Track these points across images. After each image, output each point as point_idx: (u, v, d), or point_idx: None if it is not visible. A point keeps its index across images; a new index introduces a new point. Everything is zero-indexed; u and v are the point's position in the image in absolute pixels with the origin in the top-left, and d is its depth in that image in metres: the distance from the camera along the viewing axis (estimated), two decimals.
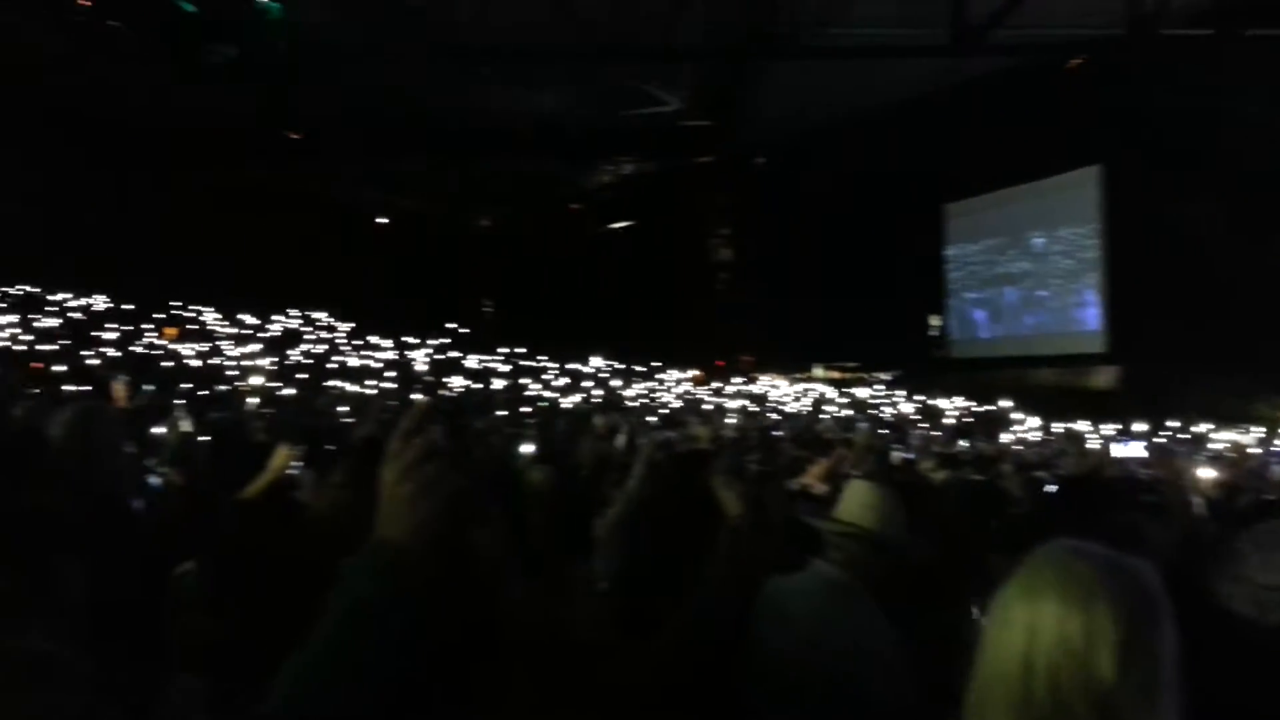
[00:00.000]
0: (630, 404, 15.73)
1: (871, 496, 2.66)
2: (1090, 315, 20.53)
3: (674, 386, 19.85)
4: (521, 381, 16.94)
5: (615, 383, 18.70)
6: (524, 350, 20.39)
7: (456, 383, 15.90)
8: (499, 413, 11.02)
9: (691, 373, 21.77)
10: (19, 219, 17.33)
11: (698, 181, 23.08)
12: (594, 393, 16.99)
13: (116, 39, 13.64)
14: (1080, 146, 18.91)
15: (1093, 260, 20.37)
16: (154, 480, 2.56)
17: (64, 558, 1.55)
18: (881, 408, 18.45)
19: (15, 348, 12.81)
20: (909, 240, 22.04)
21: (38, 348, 12.66)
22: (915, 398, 19.27)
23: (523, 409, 12.15)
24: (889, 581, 2.43)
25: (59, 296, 19.18)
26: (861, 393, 20.41)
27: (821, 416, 15.79)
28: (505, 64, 15.14)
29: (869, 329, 20.91)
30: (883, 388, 21.45)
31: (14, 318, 15.76)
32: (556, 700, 1.78)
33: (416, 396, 12.37)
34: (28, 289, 19.82)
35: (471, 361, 18.91)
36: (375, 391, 12.73)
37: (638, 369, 20.66)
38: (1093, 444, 11.89)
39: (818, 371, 23.62)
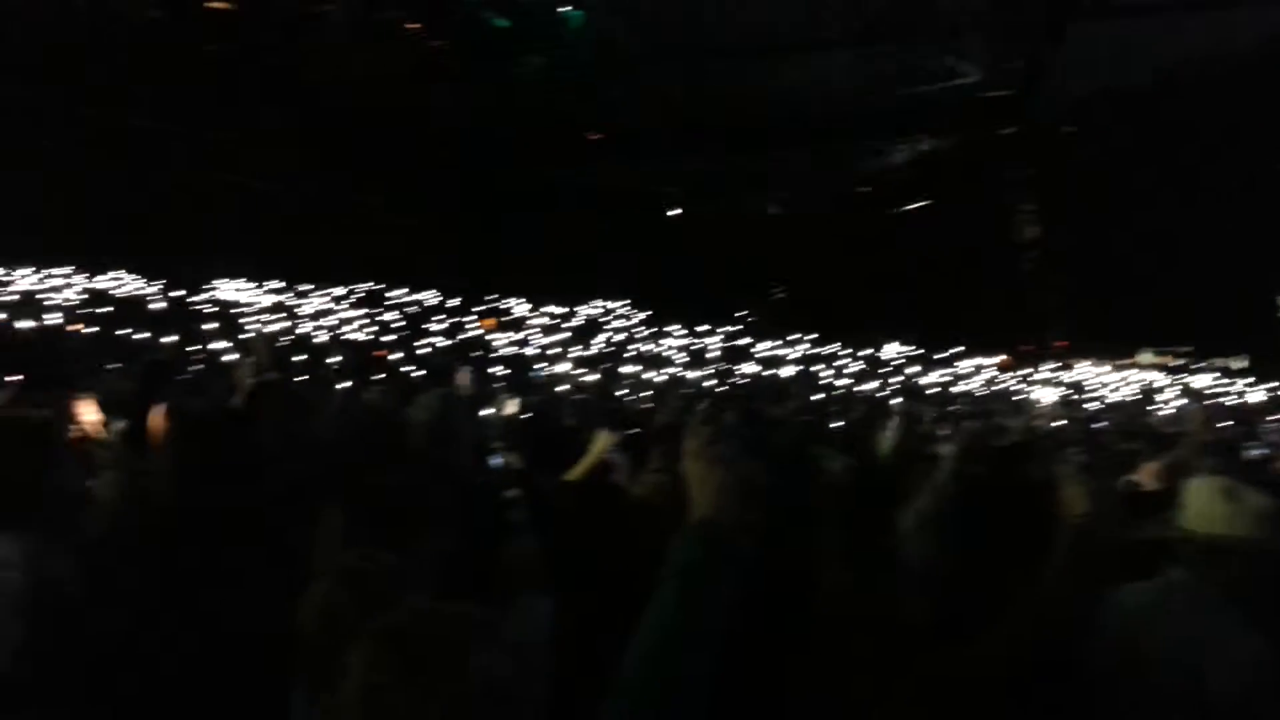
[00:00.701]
0: (931, 391, 15.12)
1: (1225, 496, 2.35)
2: None
3: (978, 373, 18.84)
4: (815, 369, 16.80)
5: (914, 369, 18.06)
6: (816, 336, 20.20)
7: (748, 370, 16.06)
8: (793, 401, 11.00)
9: (997, 358, 20.54)
10: (375, 227, 19.64)
11: (1000, 155, 21.69)
12: (892, 380, 16.51)
13: (439, 56, 14.99)
14: None
15: None
16: (495, 461, 2.82)
17: (432, 535, 1.73)
18: (1224, 398, 16.42)
19: (362, 338, 14.58)
20: (1246, 208, 19.40)
21: (380, 338, 14.34)
22: (1264, 386, 16.96)
23: (818, 396, 12.03)
24: (1264, 590, 2.15)
25: (396, 293, 21.55)
26: (1198, 381, 18.26)
27: (1151, 407, 14.32)
28: (795, 46, 15.04)
29: (1205, 309, 18.64)
30: (1224, 375, 19.08)
31: (360, 311, 17.94)
32: (885, 691, 1.76)
33: (710, 383, 12.63)
34: (372, 286, 22.44)
35: (763, 348, 19.03)
36: (670, 378, 13.16)
37: (938, 355, 19.81)
38: None
39: (1145, 357, 21.41)
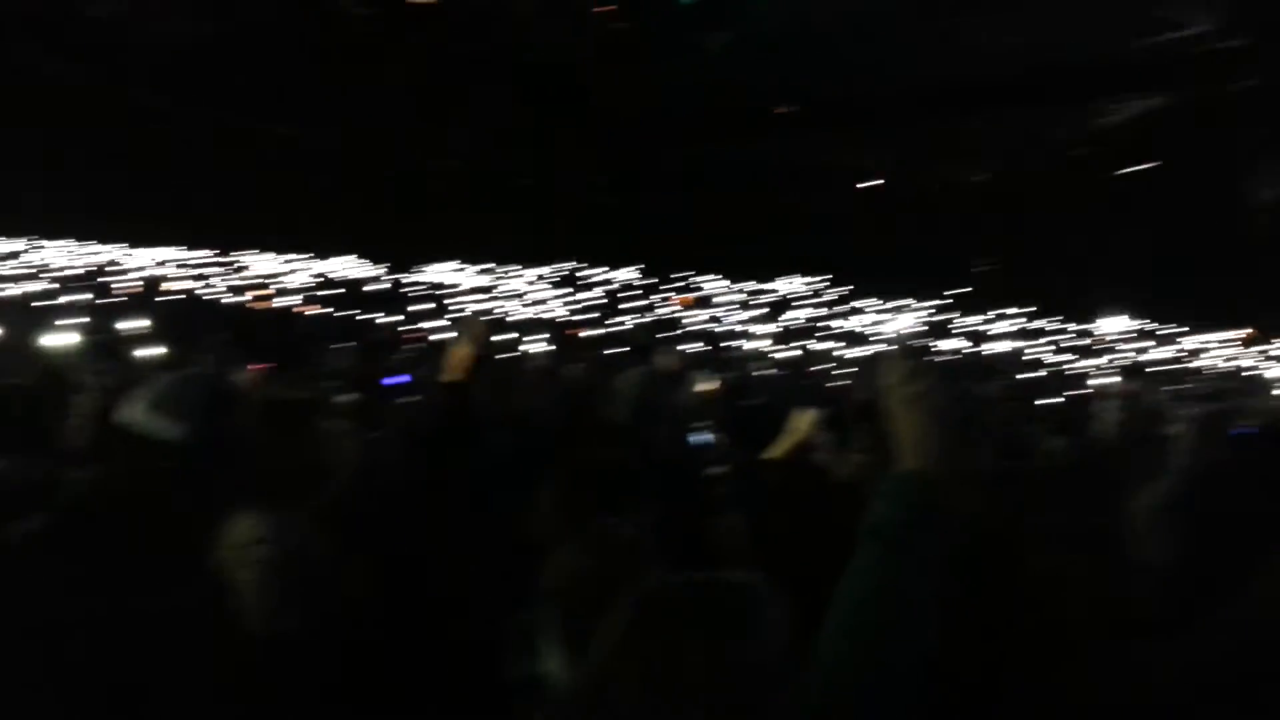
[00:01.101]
0: (1157, 369, 14.00)
1: None
2: None
3: (1209, 349, 17.27)
4: (1026, 345, 15.92)
5: (1138, 345, 16.77)
6: (1032, 310, 19.11)
7: (952, 346, 15.42)
8: (1001, 379, 10.47)
9: (1231, 333, 18.73)
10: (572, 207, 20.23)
11: (1234, 112, 19.64)
12: (1112, 357, 15.41)
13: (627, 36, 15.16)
14: None
15: None
16: (701, 438, 2.84)
17: (641, 510, 1.77)
18: None
19: (559, 317, 15.09)
20: None
21: (576, 317, 14.79)
22: None
23: (1029, 375, 11.40)
24: None
25: (593, 272, 22.11)
26: None
27: None
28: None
29: None
30: None
31: (559, 291, 18.55)
32: (1106, 678, 1.64)
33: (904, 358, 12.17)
34: (570, 267, 23.14)
35: (969, 323, 18.21)
36: (870, 355, 12.83)
37: (1164, 330, 18.31)
38: None
39: None
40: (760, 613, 1.09)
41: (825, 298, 20.46)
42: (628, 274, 20.95)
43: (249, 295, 13.53)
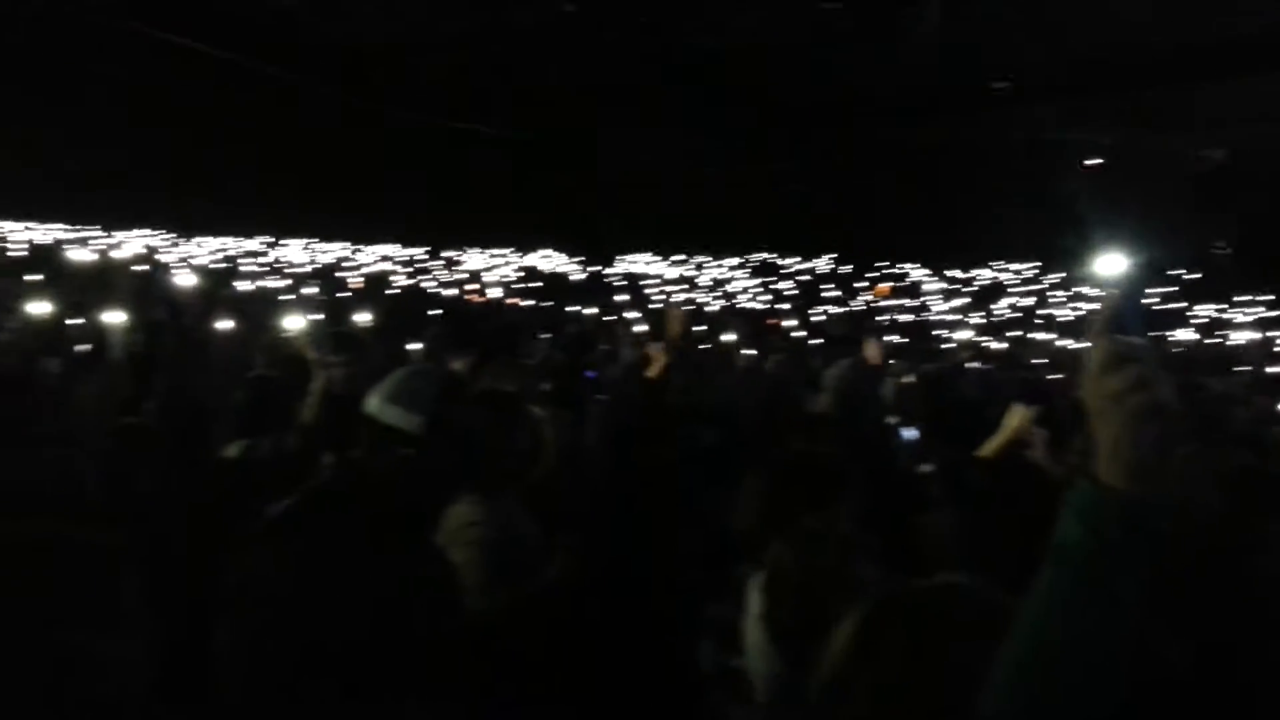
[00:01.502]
0: None
1: None
2: None
3: None
4: (1273, 335, 14.39)
5: None
6: (1273, 298, 17.27)
7: (1185, 337, 14.16)
8: (1243, 373, 9.53)
9: None
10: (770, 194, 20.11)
11: None
12: None
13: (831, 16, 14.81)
14: None
15: None
16: (908, 433, 2.74)
17: (848, 507, 1.73)
18: None
19: (755, 306, 15.01)
20: None
21: (775, 306, 14.66)
22: None
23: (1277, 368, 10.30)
24: None
25: (789, 261, 21.87)
26: None
27: None
28: None
29: None
30: None
31: (755, 281, 18.46)
32: None
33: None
34: (765, 257, 22.98)
35: (1204, 311, 16.66)
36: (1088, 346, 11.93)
37: None
38: None
39: None
40: (998, 619, 1.01)
41: (1041, 284, 19.31)
42: (826, 263, 20.58)
43: (461, 290, 14.26)
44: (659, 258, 22.81)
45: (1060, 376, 8.11)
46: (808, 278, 19.40)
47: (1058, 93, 18.81)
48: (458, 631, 1.94)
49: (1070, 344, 11.54)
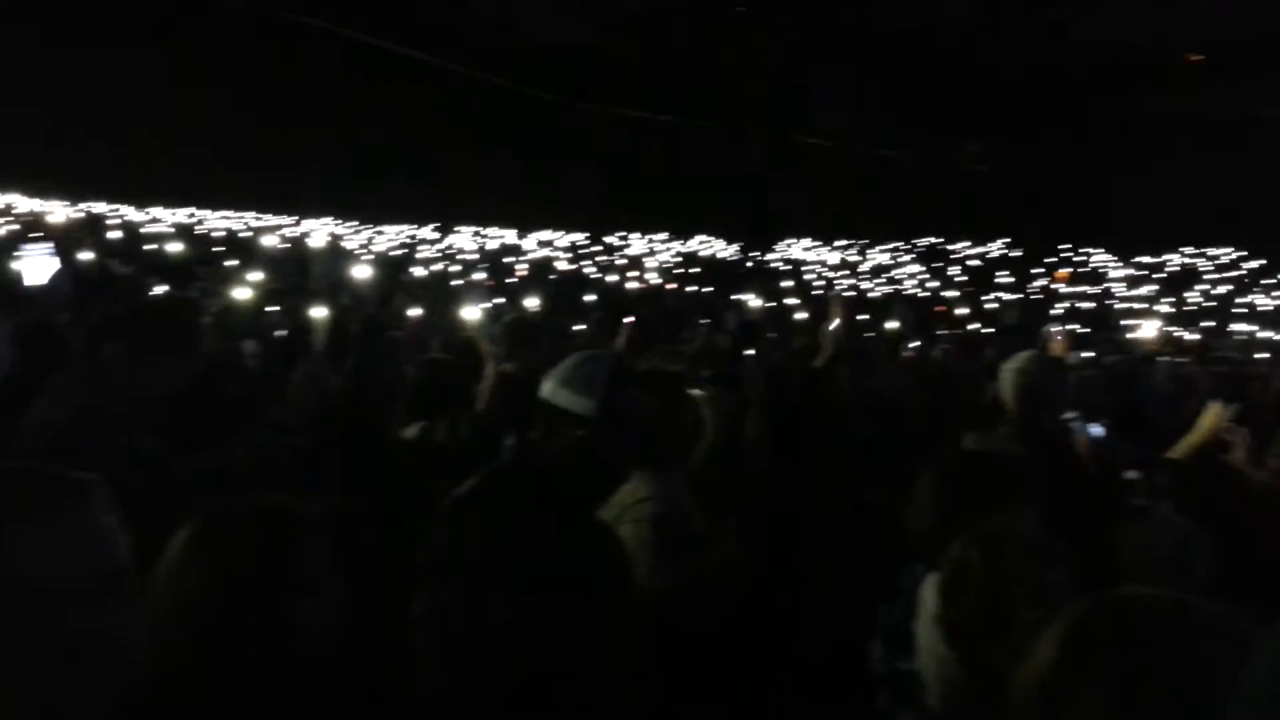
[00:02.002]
0: None
1: None
2: None
3: None
4: None
5: None
6: None
7: None
8: None
9: None
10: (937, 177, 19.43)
11: None
12: None
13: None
14: None
15: None
16: (1094, 430, 2.58)
17: (1030, 506, 1.65)
18: None
19: (921, 293, 14.49)
20: None
21: (943, 294, 14.11)
22: None
23: None
24: None
25: (959, 246, 21.05)
26: None
27: None
28: None
29: None
30: None
31: (920, 267, 17.85)
32: None
33: None
34: (932, 241, 22.21)
35: None
36: None
37: None
38: None
39: None
40: (1225, 636, 0.94)
41: (1239, 271, 17.82)
42: (999, 247, 19.68)
43: (622, 275, 14.46)
44: (820, 242, 22.44)
45: (1261, 371, 7.47)
46: (979, 263, 18.61)
47: (1261, 69, 17.26)
48: (629, 610, 1.98)
49: (1274, 335, 10.62)
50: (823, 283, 14.37)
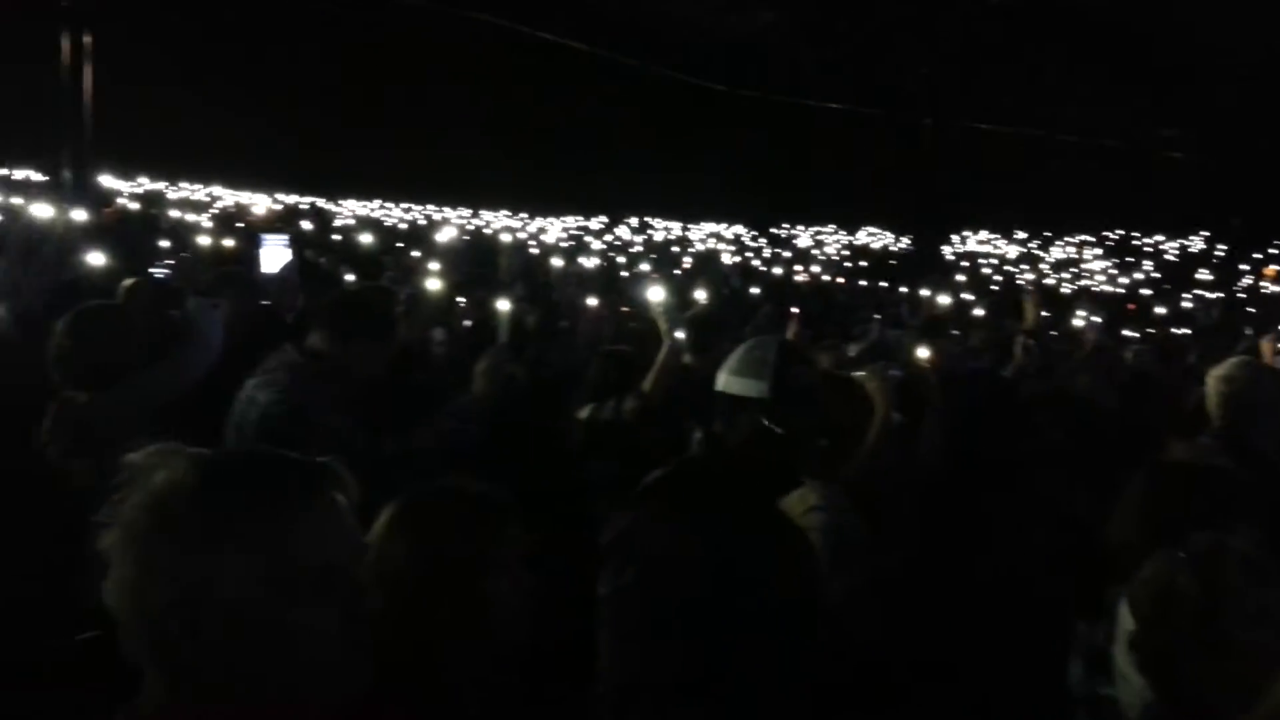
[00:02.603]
0: None
1: None
2: None
3: None
4: None
5: None
6: None
7: None
8: None
9: None
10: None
11: None
12: None
13: None
14: None
15: None
16: None
17: (1241, 525, 1.53)
18: None
19: (1111, 289, 13.60)
20: None
21: (1138, 290, 13.21)
22: None
23: None
24: None
25: (1153, 239, 19.68)
26: None
27: None
28: None
29: None
30: None
31: (1108, 262, 16.78)
32: None
33: None
34: (1120, 233, 20.86)
35: None
36: None
37: None
38: None
39: None
40: None
41: None
42: (1199, 240, 18.27)
43: (788, 268, 14.28)
44: (997, 234, 21.49)
45: None
46: (1175, 257, 17.34)
47: None
48: (806, 610, 1.97)
49: None
50: (1000, 277, 13.73)
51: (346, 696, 0.99)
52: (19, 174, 16.54)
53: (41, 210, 5.50)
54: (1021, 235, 21.43)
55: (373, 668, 1.01)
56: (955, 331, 5.46)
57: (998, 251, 18.79)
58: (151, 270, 5.16)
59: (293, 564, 0.94)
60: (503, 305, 3.29)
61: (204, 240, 7.29)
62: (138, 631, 0.93)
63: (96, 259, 4.49)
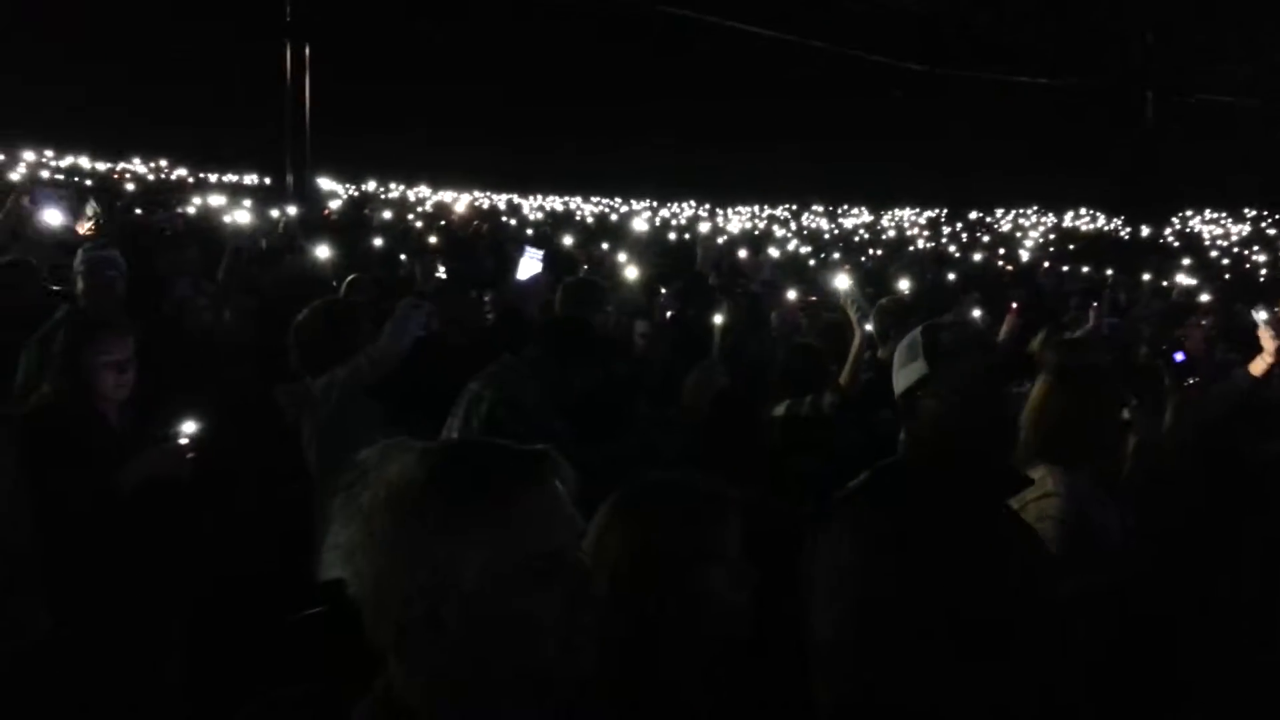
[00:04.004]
0: None
1: None
2: None
3: None
4: None
5: None
6: None
7: None
8: None
9: None
10: None
11: None
12: None
13: None
14: None
15: None
16: None
17: None
18: None
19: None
20: None
21: None
22: None
23: None
24: None
25: None
26: None
27: None
28: None
29: None
30: None
31: None
32: None
33: None
34: None
35: None
36: None
37: None
38: None
39: None
40: None
41: None
42: None
43: (990, 253, 13.59)
44: (1224, 213, 19.69)
45: None
46: None
47: None
48: (1039, 615, 1.83)
49: None
50: (1228, 261, 12.50)
51: (571, 685, 0.99)
52: (248, 179, 18.09)
53: (243, 215, 5.99)
54: (1251, 213, 19.59)
55: (595, 657, 1.00)
56: (1203, 321, 5.01)
57: (1224, 231, 17.19)
58: (368, 268, 5.48)
59: (522, 549, 0.95)
60: (717, 319, 3.28)
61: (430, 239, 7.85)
62: (385, 619, 0.95)
63: (322, 253, 4.84)
